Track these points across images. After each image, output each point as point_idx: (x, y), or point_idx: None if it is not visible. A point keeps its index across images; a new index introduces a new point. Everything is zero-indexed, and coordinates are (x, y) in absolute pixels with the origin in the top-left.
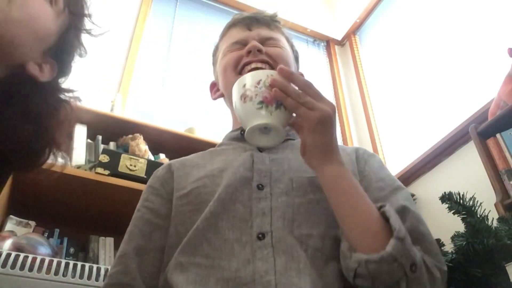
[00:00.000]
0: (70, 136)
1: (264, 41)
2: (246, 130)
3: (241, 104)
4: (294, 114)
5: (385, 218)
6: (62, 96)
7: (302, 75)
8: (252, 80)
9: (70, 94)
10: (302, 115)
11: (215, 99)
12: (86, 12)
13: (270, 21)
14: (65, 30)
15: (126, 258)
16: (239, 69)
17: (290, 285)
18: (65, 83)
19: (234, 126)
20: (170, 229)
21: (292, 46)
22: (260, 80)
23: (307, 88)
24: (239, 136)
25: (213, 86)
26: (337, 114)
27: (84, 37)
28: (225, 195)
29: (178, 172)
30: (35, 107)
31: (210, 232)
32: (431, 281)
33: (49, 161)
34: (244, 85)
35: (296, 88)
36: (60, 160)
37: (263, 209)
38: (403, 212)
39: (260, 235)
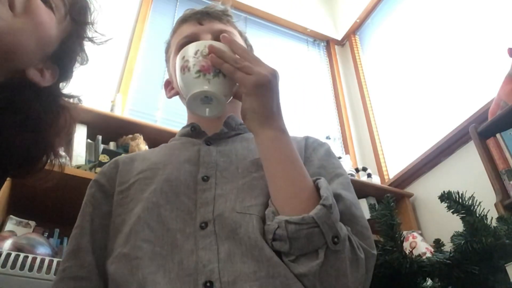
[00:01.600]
0: (68, 143)
1: (216, 34)
2: (187, 100)
3: (181, 76)
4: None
5: (318, 190)
6: (62, 102)
7: None
8: (190, 52)
9: (71, 100)
10: (240, 80)
11: (170, 97)
12: (88, 20)
13: (222, 15)
14: (67, 36)
15: (81, 252)
16: None
17: (234, 272)
18: (67, 87)
19: (187, 121)
20: (110, 223)
21: (246, 40)
22: (198, 50)
23: (246, 54)
24: (189, 131)
25: (168, 84)
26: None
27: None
28: (168, 188)
29: (123, 166)
30: (35, 115)
31: (152, 221)
32: (353, 260)
33: (46, 167)
34: (183, 57)
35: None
36: (57, 166)
37: (207, 199)
38: (336, 198)
39: (203, 224)
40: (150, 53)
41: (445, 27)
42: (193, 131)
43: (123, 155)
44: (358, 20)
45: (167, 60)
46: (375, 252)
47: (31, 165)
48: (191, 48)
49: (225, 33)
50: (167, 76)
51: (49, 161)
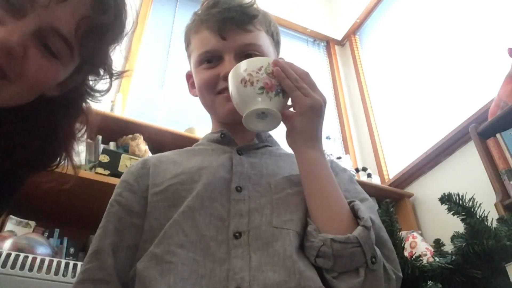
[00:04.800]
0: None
1: (240, 50)
2: (245, 114)
3: (241, 88)
4: (289, 102)
5: (353, 212)
6: (80, 104)
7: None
8: (253, 66)
9: (97, 94)
10: (296, 99)
11: (194, 95)
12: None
13: (245, 20)
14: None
15: (102, 254)
16: (218, 90)
17: (264, 280)
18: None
19: (213, 128)
20: (145, 225)
21: (272, 34)
22: (262, 66)
23: (305, 77)
24: (219, 138)
25: (189, 78)
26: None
27: None
28: (204, 192)
29: (154, 169)
30: (42, 123)
31: (186, 225)
32: (387, 280)
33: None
34: (245, 70)
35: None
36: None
37: (241, 211)
38: None
39: (237, 234)
40: (150, 53)
41: (445, 27)
42: (222, 137)
43: (150, 156)
44: (358, 20)
45: (188, 55)
46: (401, 275)
47: (39, 169)
48: (255, 63)
49: (249, 46)
50: (166, 76)
51: (62, 162)
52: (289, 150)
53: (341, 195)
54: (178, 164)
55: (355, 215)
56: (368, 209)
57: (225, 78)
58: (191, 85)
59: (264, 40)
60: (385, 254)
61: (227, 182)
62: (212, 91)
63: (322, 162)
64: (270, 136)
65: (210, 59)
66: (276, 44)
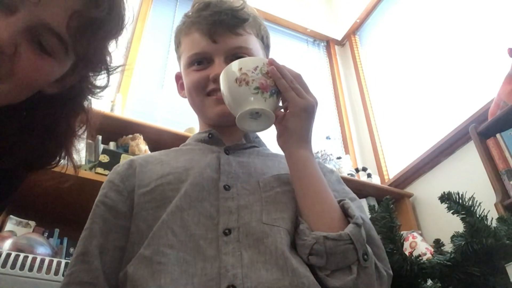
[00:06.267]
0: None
1: (230, 53)
2: (240, 113)
3: (235, 87)
4: (280, 104)
5: (344, 210)
6: (79, 102)
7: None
8: (248, 65)
9: (99, 91)
10: (290, 99)
11: (183, 96)
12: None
13: (236, 23)
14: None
15: (88, 256)
16: (207, 92)
17: (258, 278)
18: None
19: (201, 128)
20: (132, 227)
21: (262, 38)
22: (257, 66)
23: (298, 78)
24: (207, 138)
25: (179, 79)
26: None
27: None
28: (192, 192)
29: (140, 169)
30: (40, 120)
31: (175, 225)
32: (378, 277)
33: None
34: (240, 69)
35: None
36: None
37: (230, 208)
38: None
39: (227, 231)
40: (150, 53)
41: (445, 27)
42: (210, 138)
43: (136, 156)
44: (358, 20)
45: (177, 56)
46: (391, 273)
47: (39, 168)
48: (250, 63)
49: (239, 49)
50: (166, 76)
51: (61, 161)
52: (276, 151)
53: (331, 194)
54: (165, 164)
55: (346, 214)
56: (357, 209)
57: (215, 80)
58: (180, 87)
59: (254, 44)
60: (375, 253)
61: (215, 181)
62: (201, 92)
63: (313, 162)
64: (257, 137)
65: (200, 61)
66: (266, 47)
